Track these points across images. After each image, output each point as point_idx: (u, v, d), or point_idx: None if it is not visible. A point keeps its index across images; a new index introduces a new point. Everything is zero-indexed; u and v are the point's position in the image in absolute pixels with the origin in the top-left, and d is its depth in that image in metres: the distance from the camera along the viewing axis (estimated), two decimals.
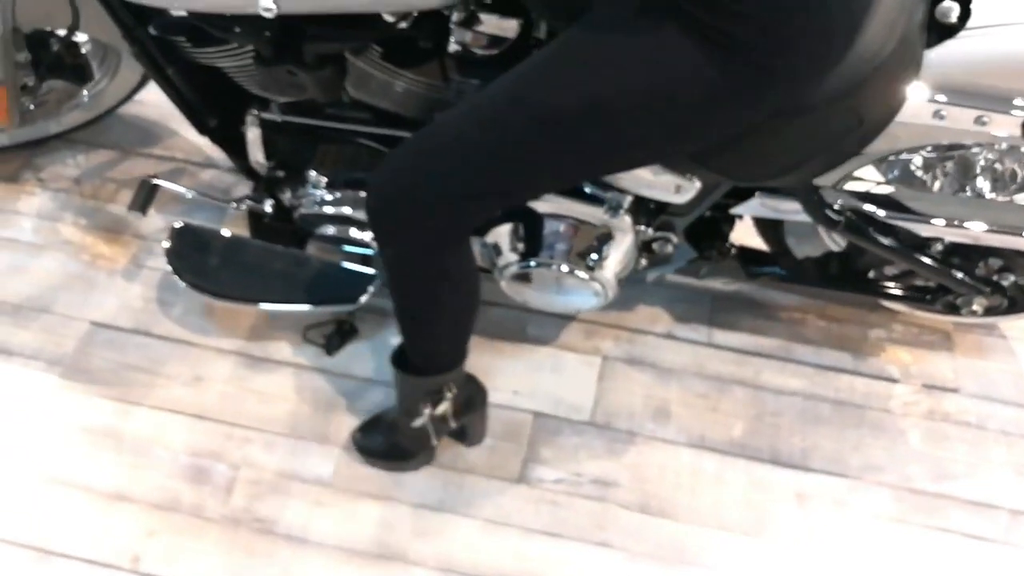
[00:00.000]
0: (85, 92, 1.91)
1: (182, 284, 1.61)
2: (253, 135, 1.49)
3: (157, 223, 1.93)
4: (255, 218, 1.68)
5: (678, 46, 0.94)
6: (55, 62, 1.62)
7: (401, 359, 1.37)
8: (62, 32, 1.62)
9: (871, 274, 1.59)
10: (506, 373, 1.72)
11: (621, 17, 0.97)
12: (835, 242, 1.59)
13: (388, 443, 1.54)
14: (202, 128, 1.56)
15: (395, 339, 1.75)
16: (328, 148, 1.49)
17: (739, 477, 1.60)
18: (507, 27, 1.25)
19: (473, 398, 1.50)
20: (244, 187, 1.93)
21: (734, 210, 1.38)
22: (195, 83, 1.49)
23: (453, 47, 1.23)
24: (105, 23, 1.44)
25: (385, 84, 1.31)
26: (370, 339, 1.76)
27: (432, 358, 1.34)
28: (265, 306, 1.61)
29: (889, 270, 1.58)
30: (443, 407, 1.39)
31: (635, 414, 1.67)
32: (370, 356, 1.75)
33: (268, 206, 1.56)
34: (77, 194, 1.97)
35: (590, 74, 0.98)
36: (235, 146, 1.62)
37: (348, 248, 1.60)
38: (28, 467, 1.56)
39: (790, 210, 1.34)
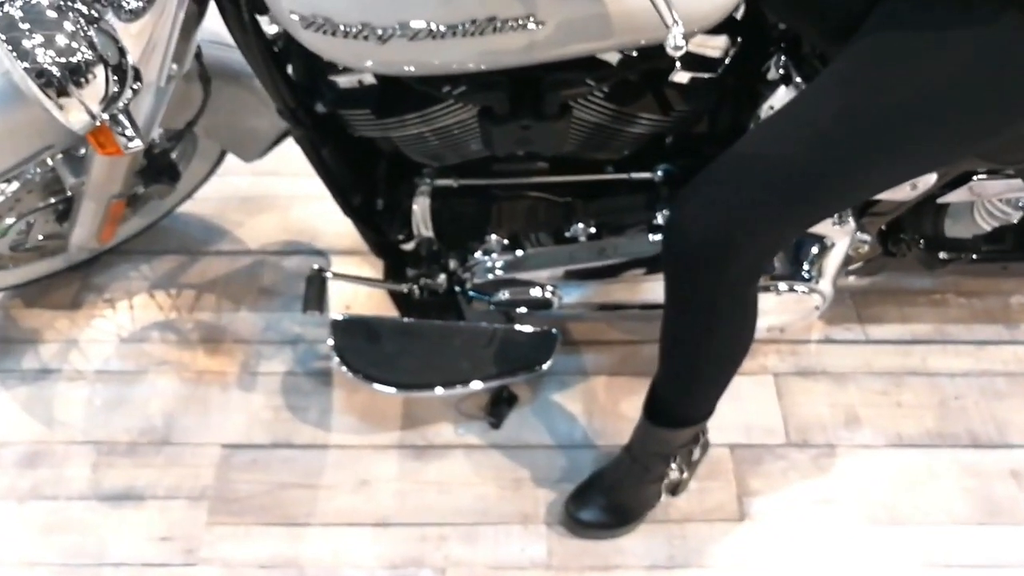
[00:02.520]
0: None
1: (374, 385, 1.45)
2: (422, 206, 1.37)
3: (254, 322, 1.75)
4: (401, 298, 1.54)
5: (1015, 25, 0.90)
6: (156, 165, 1.44)
7: (654, 411, 1.27)
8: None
9: None
10: None
11: (930, 5, 0.93)
12: (985, 221, 1.60)
13: (610, 508, 1.42)
14: (347, 207, 1.42)
15: (558, 399, 1.66)
16: (501, 208, 1.39)
17: (949, 467, 1.57)
18: (718, 45, 1.19)
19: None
20: (355, 268, 1.79)
21: (945, 198, 1.37)
22: (347, 161, 1.35)
23: (679, 76, 1.17)
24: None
25: (609, 126, 1.23)
26: (531, 403, 1.64)
27: (701, 405, 1.26)
28: (455, 390, 1.46)
29: None
30: (694, 456, 1.30)
31: (827, 425, 1.62)
32: (538, 421, 1.63)
33: (441, 280, 1.43)
34: (155, 308, 1.77)
35: (917, 69, 0.93)
36: (374, 224, 1.48)
37: (522, 311, 1.49)
38: None
39: (1000, 191, 1.33)
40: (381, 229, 1.52)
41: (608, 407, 1.65)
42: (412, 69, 1.09)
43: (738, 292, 1.07)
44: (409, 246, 1.58)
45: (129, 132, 0.95)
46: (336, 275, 1.43)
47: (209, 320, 1.76)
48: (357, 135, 1.29)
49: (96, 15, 0.90)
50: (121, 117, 0.94)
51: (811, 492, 1.53)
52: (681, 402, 1.25)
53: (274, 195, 1.97)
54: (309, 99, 1.25)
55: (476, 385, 1.46)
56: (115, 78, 0.90)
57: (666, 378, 1.24)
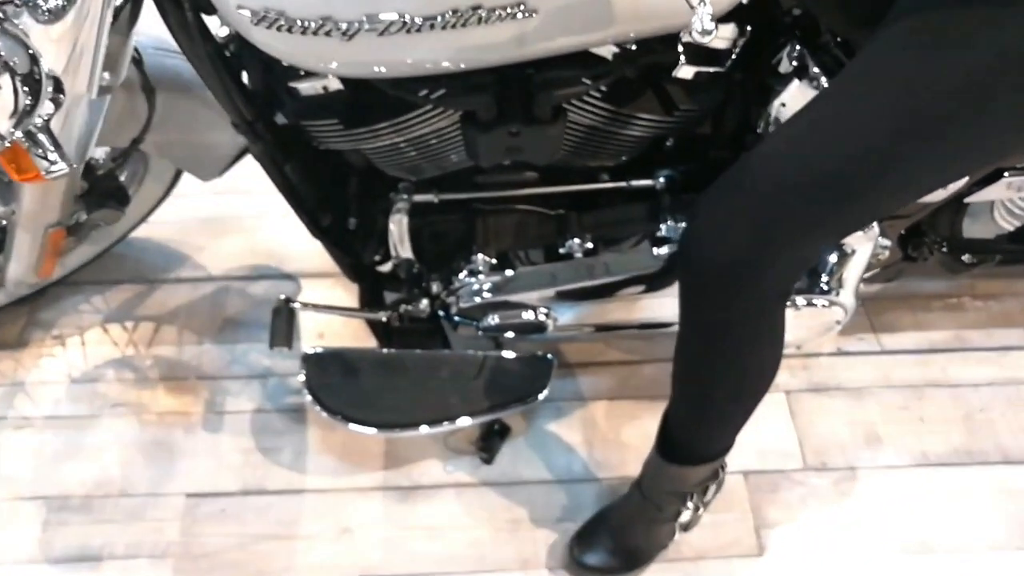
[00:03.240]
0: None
1: (351, 426, 1.31)
2: (399, 224, 1.23)
3: (218, 355, 1.60)
4: (379, 326, 1.40)
5: None
6: (100, 188, 1.29)
7: (667, 447, 1.14)
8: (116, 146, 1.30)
9: None
10: None
11: None
12: (1007, 220, 1.49)
13: (618, 551, 1.29)
14: (316, 229, 1.28)
15: (554, 428, 1.52)
16: (487, 223, 1.25)
17: (980, 486, 1.45)
18: (725, 35, 1.07)
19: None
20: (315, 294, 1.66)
21: (973, 198, 1.25)
22: (314, 177, 1.22)
23: (683, 71, 1.04)
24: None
25: (607, 130, 1.10)
26: (525, 434, 1.50)
27: (721, 439, 1.13)
28: (443, 427, 1.32)
29: None
30: (710, 494, 1.17)
31: (846, 446, 1.50)
32: (534, 454, 1.49)
33: (424, 306, 1.29)
34: (110, 344, 1.61)
35: (963, 53, 0.81)
36: (346, 246, 1.35)
37: (512, 335, 1.35)
38: None
39: None
40: (354, 251, 1.39)
41: (609, 435, 1.52)
42: (383, 70, 0.96)
43: (766, 314, 0.94)
44: (386, 267, 1.45)
45: (51, 154, 0.81)
46: (306, 305, 1.29)
47: (169, 355, 1.60)
48: (324, 148, 1.15)
49: (1, 16, 0.75)
50: (40, 136, 0.79)
51: (833, 520, 1.41)
52: (698, 437, 1.12)
53: (238, 215, 1.82)
54: (268, 110, 1.11)
55: (466, 421, 1.32)
56: (25, 89, 0.75)
57: (680, 410, 1.11)
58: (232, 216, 1.81)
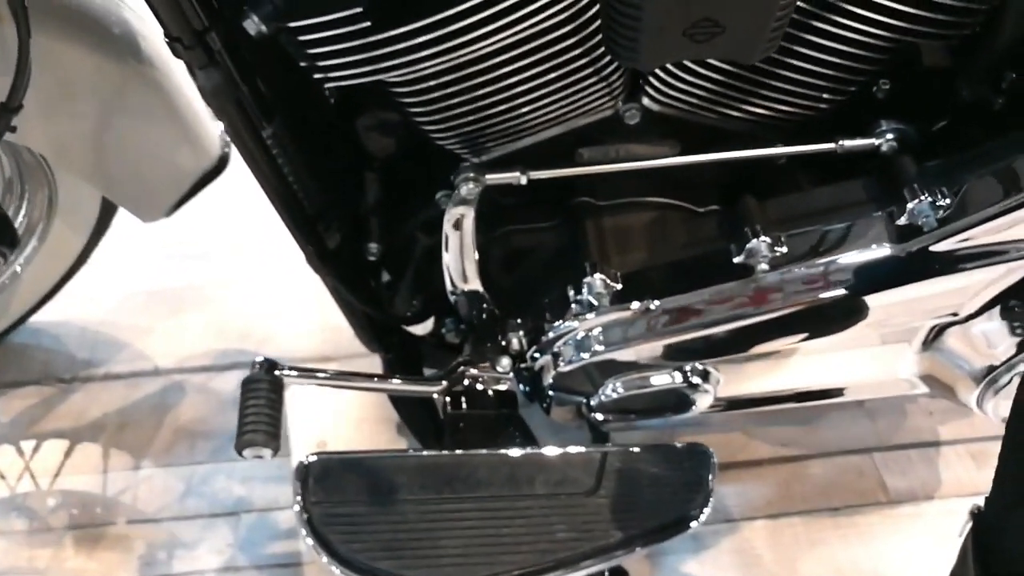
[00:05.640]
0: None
1: None
2: (458, 227, 0.71)
3: (164, 485, 1.05)
4: (416, 411, 0.87)
5: None
6: None
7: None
8: None
9: None
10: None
11: None
12: None
13: None
14: (318, 253, 0.77)
15: (695, 569, 0.97)
16: (603, 225, 0.75)
17: None
18: None
19: None
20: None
21: None
22: (309, 149, 0.72)
23: None
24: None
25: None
26: None
27: None
28: None
29: None
30: None
31: None
32: None
33: (504, 367, 0.76)
34: None
35: None
36: (364, 288, 0.83)
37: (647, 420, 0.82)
38: None
39: None
40: (376, 297, 0.87)
41: (780, 571, 0.98)
42: None
43: None
44: (424, 327, 0.93)
45: None
46: (302, 372, 0.76)
47: (86, 489, 1.05)
48: (330, 87, 0.66)
49: None
50: None
51: None
52: None
53: (194, 284, 1.29)
54: (232, 9, 0.62)
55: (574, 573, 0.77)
56: None
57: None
58: (187, 286, 1.29)
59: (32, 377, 1.18)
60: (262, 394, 0.71)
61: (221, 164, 1.01)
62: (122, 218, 1.08)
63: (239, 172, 0.94)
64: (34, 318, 1.18)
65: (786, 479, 1.08)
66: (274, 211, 0.80)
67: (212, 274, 1.31)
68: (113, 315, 1.26)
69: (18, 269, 1.06)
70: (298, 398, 1.02)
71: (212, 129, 0.99)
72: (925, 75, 0.77)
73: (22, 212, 1.03)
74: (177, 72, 0.94)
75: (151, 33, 0.90)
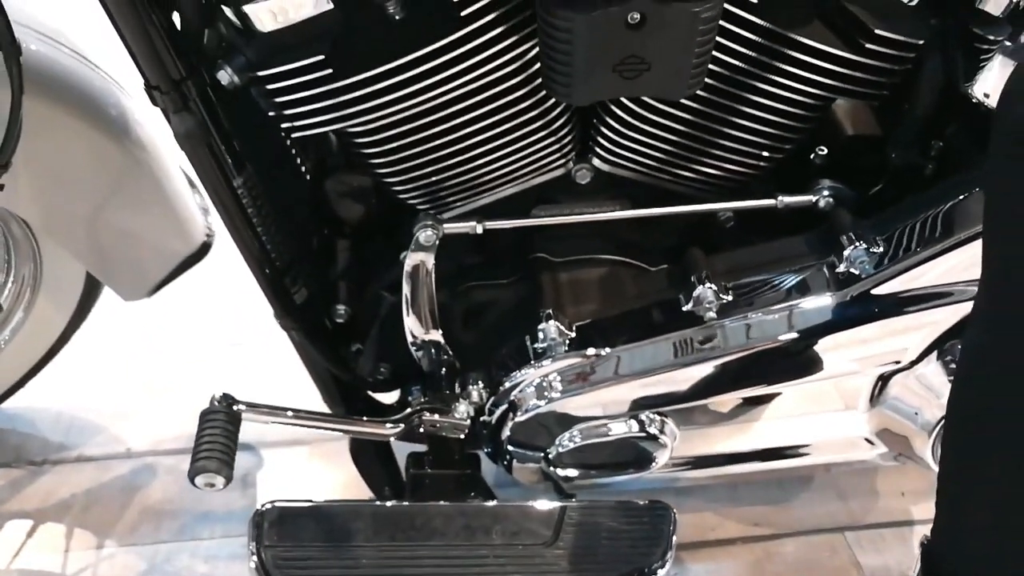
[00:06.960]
0: None
1: None
2: (417, 272, 0.74)
3: (121, 566, 1.03)
4: (376, 464, 0.87)
5: None
6: None
7: None
8: None
9: None
10: None
11: None
12: None
13: None
14: (284, 306, 0.80)
15: None
16: (559, 278, 0.78)
17: None
18: None
19: None
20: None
21: None
22: (278, 189, 0.76)
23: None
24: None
25: (760, 63, 0.67)
26: None
27: None
28: None
29: None
30: None
31: None
32: None
33: (461, 414, 0.77)
34: None
35: None
36: (332, 349, 0.85)
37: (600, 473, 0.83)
38: None
39: None
40: (344, 359, 0.89)
41: None
42: None
43: None
44: (392, 395, 0.94)
45: None
46: (256, 408, 0.76)
47: (47, 568, 1.02)
48: (294, 139, 0.71)
49: None
50: None
51: None
52: None
53: (175, 364, 1.30)
54: (207, 63, 0.68)
55: None
56: None
57: None
58: (164, 368, 1.30)
59: (3, 460, 1.19)
60: (218, 425, 0.72)
61: (203, 250, 1.05)
62: (104, 301, 1.12)
63: (219, 259, 0.99)
64: (9, 403, 1.20)
65: (759, 558, 1.06)
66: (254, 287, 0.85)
67: (190, 355, 1.33)
68: (89, 399, 1.27)
69: (1, 344, 1.09)
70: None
71: (198, 215, 1.04)
72: (857, 141, 0.83)
73: (9, 283, 1.06)
74: (168, 157, 1.01)
75: (146, 119, 0.96)
